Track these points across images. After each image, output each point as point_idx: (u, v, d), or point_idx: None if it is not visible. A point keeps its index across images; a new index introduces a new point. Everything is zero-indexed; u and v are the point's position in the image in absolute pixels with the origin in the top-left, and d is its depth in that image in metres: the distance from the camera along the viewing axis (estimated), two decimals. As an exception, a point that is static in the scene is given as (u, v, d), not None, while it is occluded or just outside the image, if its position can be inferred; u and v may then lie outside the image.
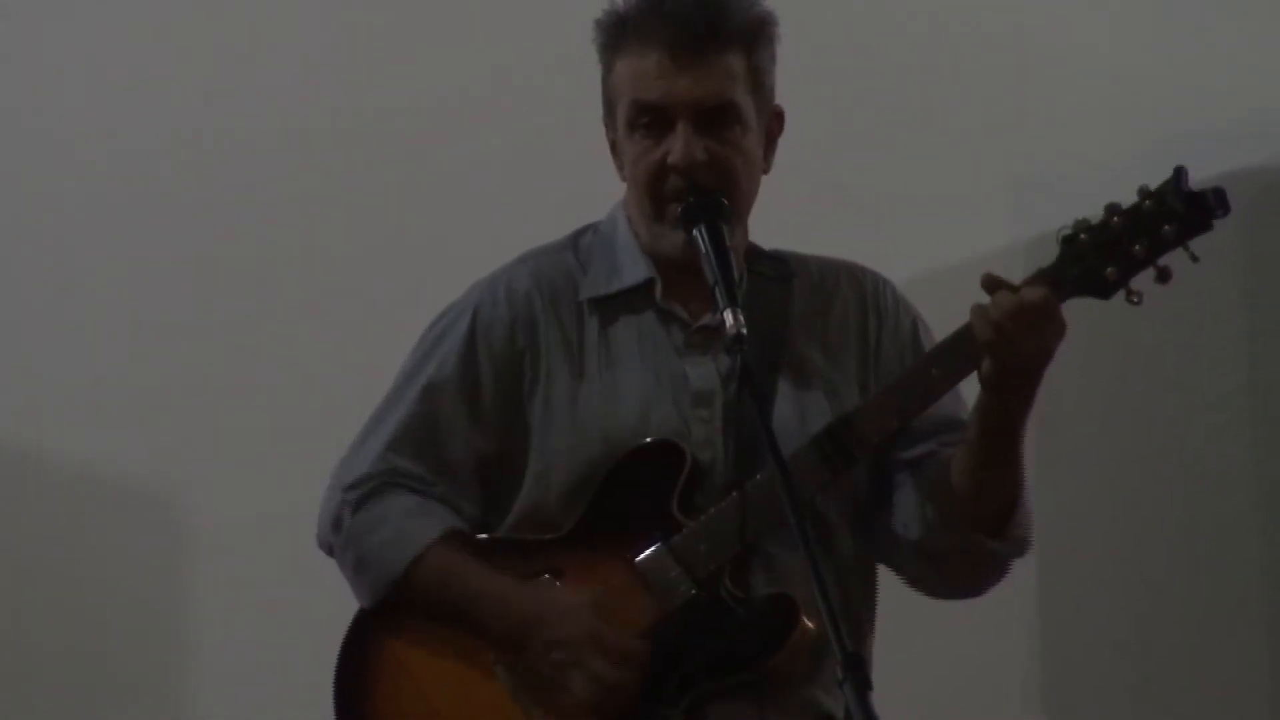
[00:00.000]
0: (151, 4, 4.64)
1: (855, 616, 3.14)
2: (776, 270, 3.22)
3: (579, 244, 3.25)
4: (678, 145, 3.08)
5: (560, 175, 4.13)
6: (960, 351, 2.99)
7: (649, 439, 3.09)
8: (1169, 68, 4.42)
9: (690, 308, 3.17)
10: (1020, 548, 3.10)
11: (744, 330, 2.88)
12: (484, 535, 3.16)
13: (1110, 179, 4.11)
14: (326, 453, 3.25)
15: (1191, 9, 4.44)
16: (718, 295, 2.94)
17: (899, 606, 3.23)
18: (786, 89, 3.20)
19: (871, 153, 4.46)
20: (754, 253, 3.22)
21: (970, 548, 3.07)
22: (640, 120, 3.11)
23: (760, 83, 3.14)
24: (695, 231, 3.04)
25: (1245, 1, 4.43)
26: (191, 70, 4.62)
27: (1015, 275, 3.00)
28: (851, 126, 4.45)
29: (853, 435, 3.03)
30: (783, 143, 3.21)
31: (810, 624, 2.98)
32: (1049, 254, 3.00)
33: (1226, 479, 4.43)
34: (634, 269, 3.19)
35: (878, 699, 2.50)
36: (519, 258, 3.27)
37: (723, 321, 2.90)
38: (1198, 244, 2.91)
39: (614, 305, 3.19)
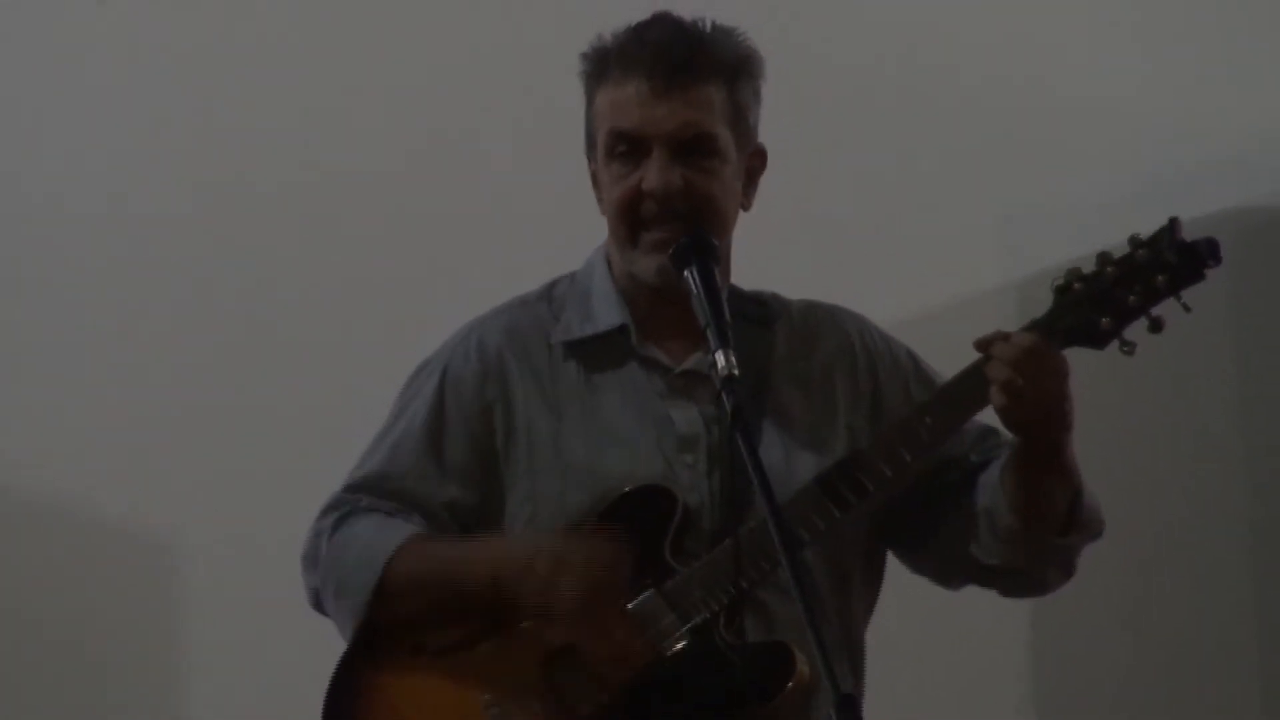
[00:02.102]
0: (148, 23, 4.62)
1: (855, 655, 3.15)
2: (759, 313, 3.21)
3: (553, 294, 3.25)
4: (653, 171, 3.07)
5: (555, 209, 4.11)
6: (953, 400, 3.00)
7: (639, 484, 3.08)
8: (1160, 105, 4.41)
9: (670, 351, 3.16)
10: (1095, 531, 3.10)
11: (736, 372, 2.84)
12: None
13: (1101, 216, 4.15)
14: (321, 491, 3.24)
15: (1182, 47, 4.43)
16: (710, 336, 2.90)
17: (894, 610, 3.23)
18: (772, 123, 3.19)
19: (860, 189, 4.46)
20: (735, 294, 3.18)
21: (1047, 551, 3.08)
22: (618, 149, 3.11)
23: (741, 117, 3.13)
24: (686, 273, 3.00)
25: (1235, 40, 4.43)
26: (187, 98, 4.62)
27: (1006, 313, 3.01)
28: (839, 163, 4.44)
29: (847, 481, 3.02)
30: (769, 178, 3.19)
31: (806, 672, 2.96)
32: (1039, 292, 3.00)
33: (1220, 490, 4.44)
34: (608, 314, 3.18)
35: (872, 701, 2.51)
36: (494, 310, 3.26)
37: (714, 362, 2.86)
38: (1189, 289, 2.92)
39: (591, 350, 3.18)
